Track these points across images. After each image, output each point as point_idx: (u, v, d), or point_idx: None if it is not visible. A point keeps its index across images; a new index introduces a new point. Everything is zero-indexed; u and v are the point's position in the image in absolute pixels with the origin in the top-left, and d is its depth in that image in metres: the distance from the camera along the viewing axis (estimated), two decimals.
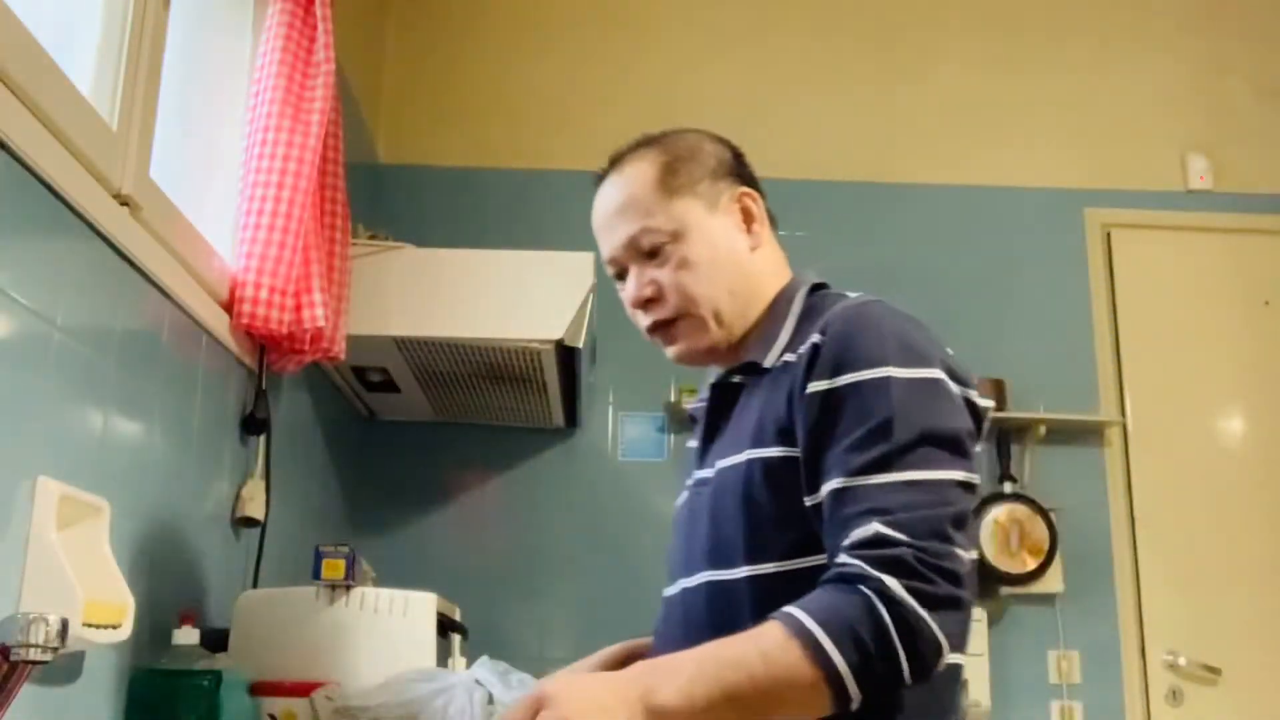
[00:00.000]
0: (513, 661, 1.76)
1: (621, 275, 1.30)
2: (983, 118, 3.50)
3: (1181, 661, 3.10)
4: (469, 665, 1.80)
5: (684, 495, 1.31)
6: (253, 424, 2.01)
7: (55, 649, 1.07)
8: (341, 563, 1.61)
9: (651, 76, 3.50)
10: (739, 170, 1.31)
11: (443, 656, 1.79)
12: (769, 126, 3.47)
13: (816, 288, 1.29)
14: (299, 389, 2.42)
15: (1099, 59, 3.57)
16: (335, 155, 2.21)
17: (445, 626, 1.80)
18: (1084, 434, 3.27)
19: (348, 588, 1.63)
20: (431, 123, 3.42)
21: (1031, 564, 3.09)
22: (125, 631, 1.34)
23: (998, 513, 3.13)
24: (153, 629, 1.54)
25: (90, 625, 1.24)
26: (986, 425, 1.17)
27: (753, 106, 3.48)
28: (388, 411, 3.08)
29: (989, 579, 3.10)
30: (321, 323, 1.99)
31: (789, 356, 1.17)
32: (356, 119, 2.97)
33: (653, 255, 1.25)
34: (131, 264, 1.49)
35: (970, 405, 1.13)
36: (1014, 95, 3.52)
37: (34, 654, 1.06)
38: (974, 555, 1.06)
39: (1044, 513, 3.13)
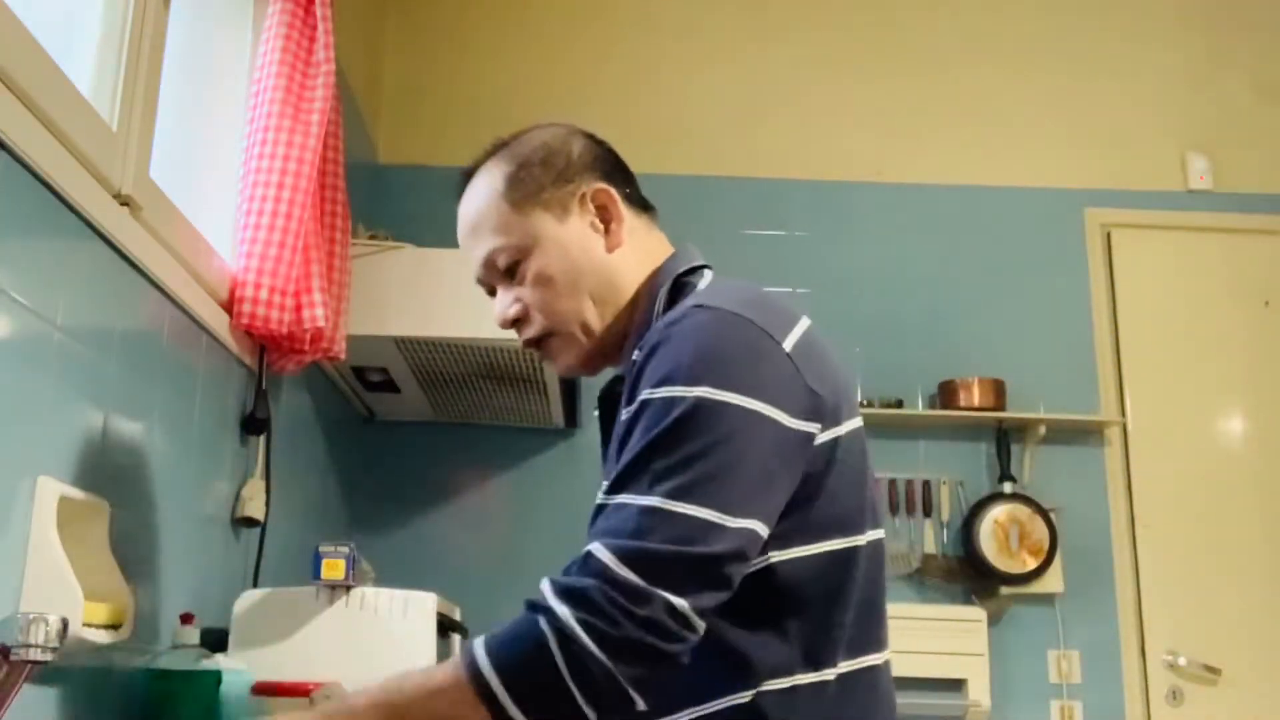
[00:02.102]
0: None
1: (493, 293, 1.24)
2: (983, 118, 3.50)
3: (1181, 661, 3.10)
4: None
5: None
6: (253, 424, 2.01)
7: (55, 649, 1.07)
8: (341, 563, 1.61)
9: (652, 76, 3.50)
10: (599, 165, 1.22)
11: (443, 656, 1.78)
12: (769, 126, 3.48)
13: (686, 274, 1.19)
14: (299, 389, 2.42)
15: (1099, 59, 3.56)
16: (335, 155, 2.22)
17: (445, 626, 1.80)
18: (1084, 434, 3.27)
19: (348, 588, 1.63)
20: (431, 123, 3.42)
21: (1031, 564, 3.09)
22: (125, 631, 1.34)
23: (998, 513, 3.13)
24: (153, 629, 1.54)
25: (90, 625, 1.24)
26: (843, 430, 1.07)
27: (753, 107, 3.48)
28: (388, 411, 3.08)
29: (989, 579, 3.10)
30: (321, 323, 1.99)
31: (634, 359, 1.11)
32: (356, 119, 2.97)
33: (511, 273, 1.20)
34: (131, 264, 1.49)
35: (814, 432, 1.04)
36: (1014, 95, 3.52)
37: (34, 654, 1.06)
38: (708, 601, 0.94)
39: (1044, 513, 3.13)
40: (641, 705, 0.94)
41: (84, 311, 1.37)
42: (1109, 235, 3.43)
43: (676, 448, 0.97)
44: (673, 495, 0.95)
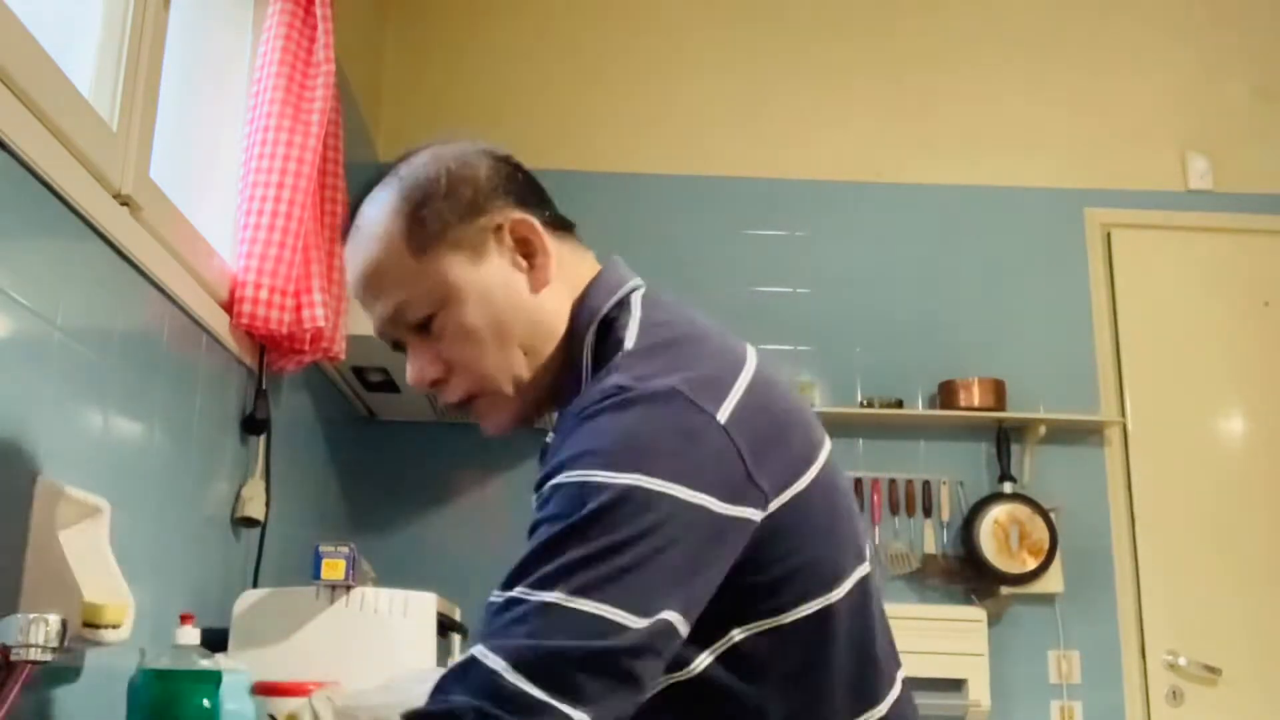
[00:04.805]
0: None
1: (398, 346, 1.07)
2: (983, 118, 3.50)
3: (1181, 661, 3.10)
4: None
5: None
6: (253, 424, 2.01)
7: (55, 649, 1.07)
8: (341, 563, 1.61)
9: (651, 76, 3.50)
10: (511, 189, 1.05)
11: (443, 656, 1.79)
12: (769, 126, 3.48)
13: (612, 310, 1.03)
14: (299, 389, 2.42)
15: (1099, 59, 3.57)
16: (335, 155, 2.22)
17: (445, 626, 1.80)
18: (1084, 434, 3.27)
19: (348, 588, 1.63)
20: (431, 123, 3.42)
21: (1031, 564, 3.09)
22: (125, 631, 1.34)
23: (998, 513, 3.13)
24: (153, 629, 1.54)
25: (90, 625, 1.24)
26: (802, 485, 0.95)
27: (753, 107, 3.48)
28: (388, 411, 3.08)
29: (989, 579, 3.10)
30: (321, 323, 1.99)
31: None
32: (356, 119, 2.97)
33: (424, 329, 1.03)
34: (131, 264, 1.49)
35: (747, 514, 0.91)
36: (1014, 95, 3.52)
37: (34, 654, 1.06)
38: (615, 709, 0.83)
39: (1044, 513, 3.13)
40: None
41: (84, 311, 1.37)
42: (1109, 235, 3.43)
43: (593, 539, 0.83)
44: (577, 592, 0.82)
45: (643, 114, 3.45)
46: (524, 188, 1.07)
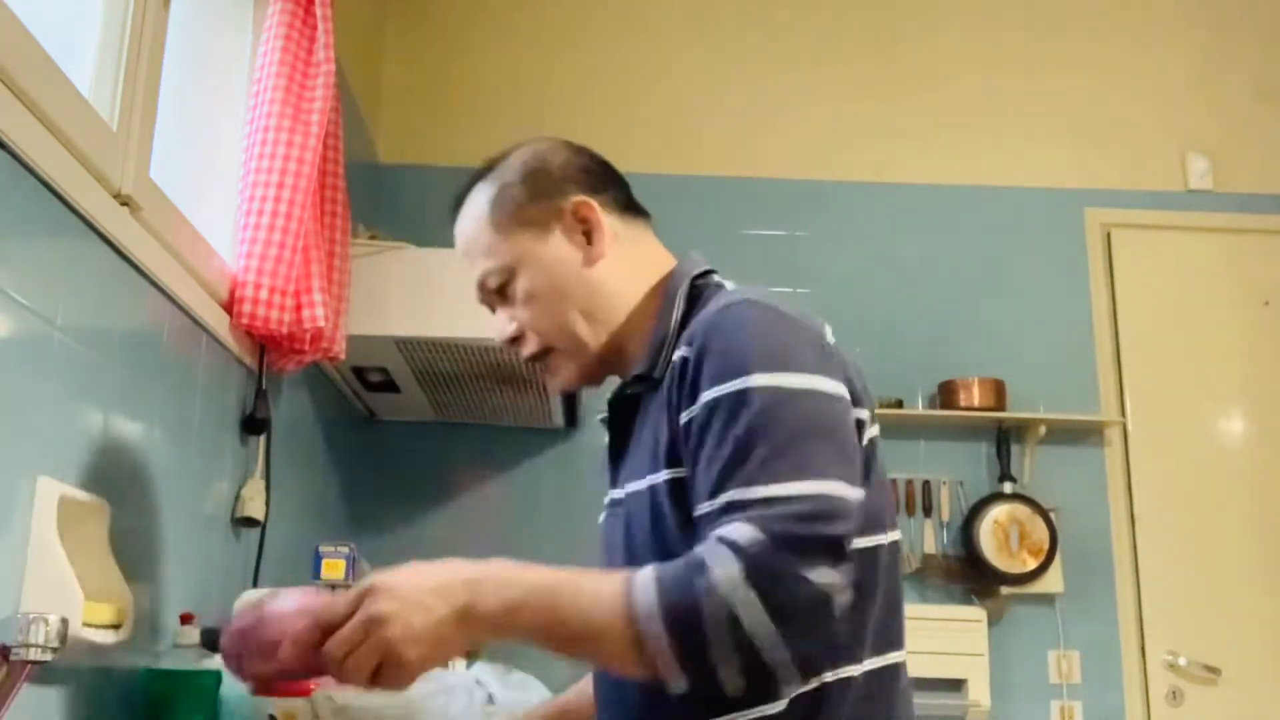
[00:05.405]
0: (512, 661, 1.76)
1: (494, 311, 1.27)
2: (983, 118, 3.50)
3: (1181, 661, 3.10)
4: (469, 665, 1.80)
5: (603, 515, 1.24)
6: (253, 424, 2.01)
7: (55, 649, 1.07)
8: (341, 563, 1.61)
9: (652, 76, 3.50)
10: (582, 177, 1.22)
11: None
12: (769, 126, 3.48)
13: (699, 278, 1.20)
14: (299, 389, 2.42)
15: (1099, 59, 3.57)
16: (335, 155, 2.22)
17: None
18: (1084, 434, 3.27)
19: (348, 588, 1.63)
20: (431, 123, 3.42)
21: (1031, 564, 3.09)
22: (125, 631, 1.34)
23: (998, 513, 3.13)
24: (153, 629, 1.54)
25: (90, 625, 1.24)
26: (872, 432, 1.10)
27: (753, 107, 3.48)
28: (388, 411, 3.08)
29: (989, 579, 3.10)
30: (321, 323, 1.99)
31: (677, 358, 1.10)
32: (356, 119, 2.97)
33: (503, 293, 1.22)
34: (131, 264, 1.49)
35: (858, 407, 1.07)
36: (1014, 95, 3.52)
37: (34, 654, 1.06)
38: (843, 578, 0.93)
39: (1044, 513, 3.13)
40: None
41: (84, 311, 1.37)
42: (1109, 235, 3.43)
43: (772, 433, 0.96)
44: (790, 477, 0.94)
45: (642, 114, 3.45)
46: (596, 177, 1.24)
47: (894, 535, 1.11)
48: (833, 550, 0.92)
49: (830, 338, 1.10)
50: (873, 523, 1.06)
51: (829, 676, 1.01)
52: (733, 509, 0.94)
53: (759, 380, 0.99)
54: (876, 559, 1.07)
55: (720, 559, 0.90)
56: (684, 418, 1.04)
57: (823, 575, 0.91)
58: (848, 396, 1.05)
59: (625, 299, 1.20)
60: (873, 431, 1.10)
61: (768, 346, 1.02)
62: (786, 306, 1.08)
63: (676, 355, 1.07)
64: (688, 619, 0.89)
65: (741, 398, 0.98)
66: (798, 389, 1.00)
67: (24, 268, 1.22)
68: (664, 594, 0.91)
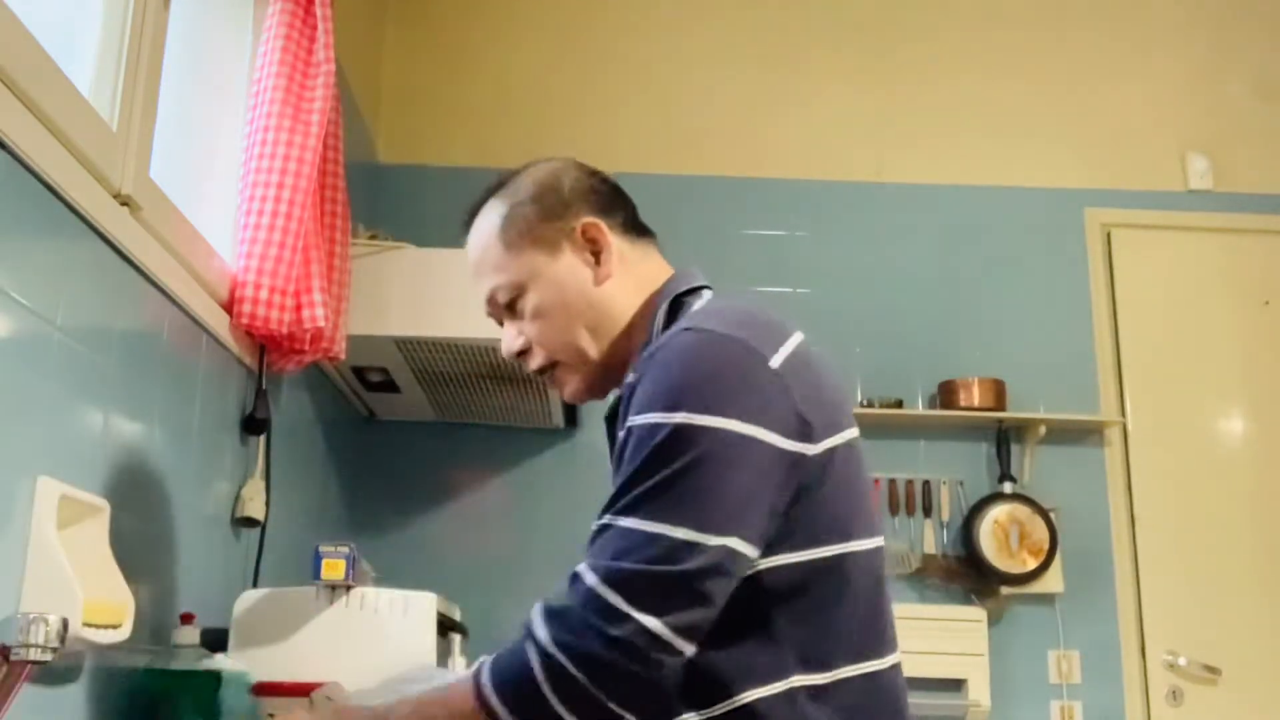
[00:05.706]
0: None
1: (502, 324, 1.31)
2: (983, 118, 3.50)
3: (1181, 661, 3.10)
4: (469, 665, 1.79)
5: None
6: (253, 424, 2.01)
7: (55, 649, 1.07)
8: (341, 563, 1.61)
9: (651, 76, 3.50)
10: (591, 198, 1.27)
11: (443, 656, 1.79)
12: (769, 126, 3.48)
13: (686, 294, 1.23)
14: (299, 389, 2.42)
15: (1099, 59, 3.57)
16: (335, 155, 2.22)
17: (445, 626, 1.80)
18: (1084, 434, 3.27)
19: (348, 588, 1.63)
20: (431, 122, 3.42)
21: (1031, 564, 3.09)
22: (125, 631, 1.34)
23: (998, 513, 3.13)
24: (153, 629, 1.54)
25: (90, 625, 1.24)
26: (837, 440, 1.09)
27: (753, 107, 3.48)
28: (388, 411, 3.08)
29: (989, 579, 3.10)
30: (321, 323, 1.99)
31: (629, 381, 1.15)
32: (356, 119, 2.97)
33: (512, 308, 1.26)
34: (131, 264, 1.49)
35: (802, 450, 1.06)
36: (1014, 95, 3.52)
37: (34, 654, 1.06)
38: (688, 619, 0.98)
39: (1044, 513, 3.13)
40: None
41: (84, 311, 1.37)
42: (1109, 235, 3.43)
43: (656, 471, 1.01)
44: (650, 516, 1.00)
45: (642, 114, 3.45)
46: (605, 198, 1.28)
47: (868, 543, 1.11)
48: (673, 590, 0.98)
49: (791, 354, 1.09)
50: (835, 531, 1.08)
51: (750, 695, 1.02)
52: (601, 533, 1.03)
53: (671, 417, 1.02)
54: (843, 568, 1.08)
55: (537, 623, 1.01)
56: (620, 438, 1.09)
57: (652, 614, 0.97)
58: (774, 437, 1.03)
59: (628, 316, 1.25)
60: (842, 438, 1.10)
61: (691, 382, 1.04)
62: (742, 330, 1.09)
63: (630, 378, 1.12)
64: (516, 685, 1.00)
65: (653, 430, 1.03)
66: (706, 428, 1.01)
67: (24, 268, 1.22)
68: (498, 671, 1.01)
